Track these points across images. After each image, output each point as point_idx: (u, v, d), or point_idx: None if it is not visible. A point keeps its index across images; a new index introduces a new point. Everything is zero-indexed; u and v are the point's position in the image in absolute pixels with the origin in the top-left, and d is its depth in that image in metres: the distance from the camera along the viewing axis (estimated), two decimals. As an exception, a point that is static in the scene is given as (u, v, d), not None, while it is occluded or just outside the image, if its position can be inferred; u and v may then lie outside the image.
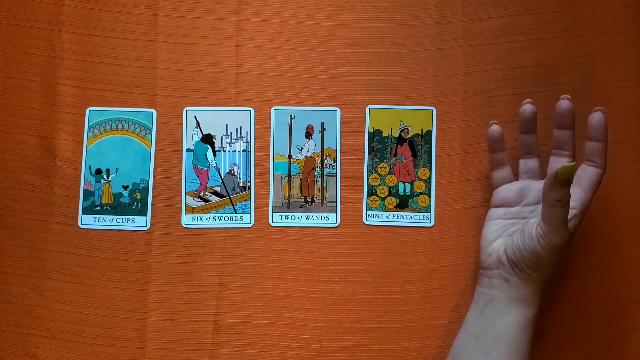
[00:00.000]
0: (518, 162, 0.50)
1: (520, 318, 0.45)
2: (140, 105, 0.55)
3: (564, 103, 0.47)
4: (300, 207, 0.54)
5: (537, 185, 0.48)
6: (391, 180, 0.54)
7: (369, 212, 0.54)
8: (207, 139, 0.55)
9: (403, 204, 0.54)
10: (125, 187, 0.54)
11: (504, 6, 0.55)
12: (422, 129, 0.55)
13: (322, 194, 0.54)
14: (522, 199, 0.49)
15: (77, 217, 0.54)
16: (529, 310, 0.46)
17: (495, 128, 0.49)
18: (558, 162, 0.47)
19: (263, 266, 0.53)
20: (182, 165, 0.54)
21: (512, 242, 0.46)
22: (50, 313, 0.53)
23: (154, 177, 0.54)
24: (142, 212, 0.54)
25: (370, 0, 0.55)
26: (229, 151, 0.55)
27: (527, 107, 0.48)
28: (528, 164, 0.50)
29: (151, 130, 0.54)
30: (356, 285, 0.53)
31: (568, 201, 0.43)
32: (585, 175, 0.46)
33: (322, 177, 0.55)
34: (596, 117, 0.46)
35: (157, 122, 0.55)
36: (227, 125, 0.55)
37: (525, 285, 0.46)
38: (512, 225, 0.49)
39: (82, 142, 0.54)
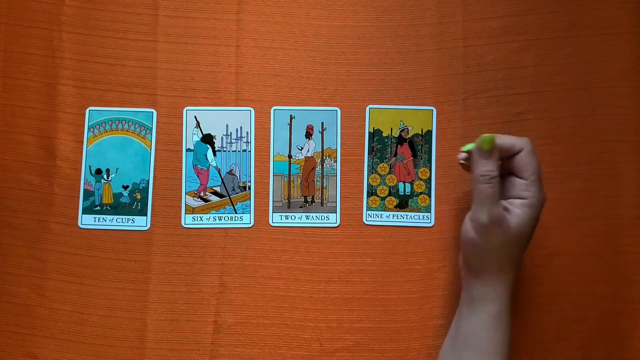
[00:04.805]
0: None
1: (483, 317, 0.45)
2: (140, 105, 0.55)
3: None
4: (300, 207, 0.54)
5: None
6: (391, 180, 0.54)
7: (369, 212, 0.54)
8: (207, 139, 0.55)
9: (403, 204, 0.54)
10: (125, 187, 0.54)
11: (504, 6, 0.55)
12: (422, 129, 0.55)
13: (322, 194, 0.54)
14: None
15: (77, 217, 0.54)
16: (490, 309, 0.45)
17: (462, 156, 0.47)
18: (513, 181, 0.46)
19: (263, 266, 0.53)
20: (182, 165, 0.54)
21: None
22: (50, 313, 0.53)
23: (154, 177, 0.54)
24: (142, 212, 0.54)
25: (370, 0, 0.55)
26: (229, 151, 0.55)
27: (460, 156, 0.47)
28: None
29: (151, 130, 0.54)
30: (356, 285, 0.53)
31: (494, 177, 0.43)
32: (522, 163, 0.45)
33: (322, 177, 0.54)
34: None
35: (157, 122, 0.55)
36: (227, 125, 0.55)
37: (478, 281, 0.45)
38: None
39: (82, 142, 0.54)
